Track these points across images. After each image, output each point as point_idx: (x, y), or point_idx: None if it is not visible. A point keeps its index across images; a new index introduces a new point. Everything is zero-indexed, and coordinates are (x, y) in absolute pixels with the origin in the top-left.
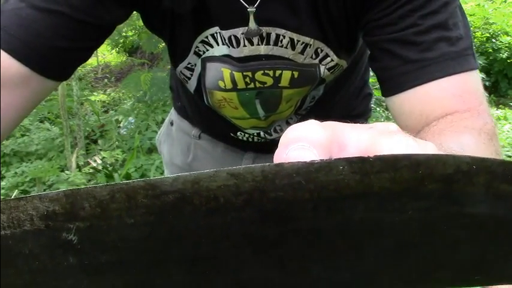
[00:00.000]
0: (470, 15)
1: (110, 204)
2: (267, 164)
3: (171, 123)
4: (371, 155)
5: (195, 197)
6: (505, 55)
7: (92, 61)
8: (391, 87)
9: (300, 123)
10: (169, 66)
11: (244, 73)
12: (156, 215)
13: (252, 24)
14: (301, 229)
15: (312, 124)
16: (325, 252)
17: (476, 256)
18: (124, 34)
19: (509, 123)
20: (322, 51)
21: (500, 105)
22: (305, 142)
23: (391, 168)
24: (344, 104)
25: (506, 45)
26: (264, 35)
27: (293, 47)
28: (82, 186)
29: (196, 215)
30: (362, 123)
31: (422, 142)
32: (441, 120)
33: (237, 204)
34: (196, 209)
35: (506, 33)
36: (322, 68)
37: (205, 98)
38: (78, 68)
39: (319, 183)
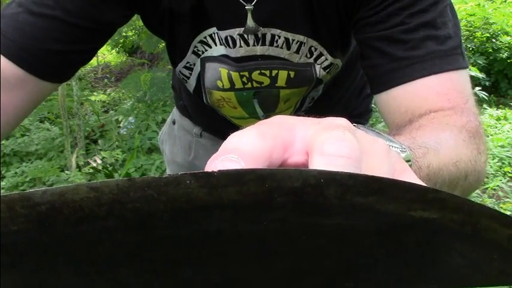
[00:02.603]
0: (470, 15)
1: None
2: (120, 179)
3: (173, 122)
4: (310, 151)
5: (64, 208)
6: (505, 55)
7: (92, 61)
8: (378, 85)
9: (240, 131)
10: (170, 66)
11: (241, 73)
12: (34, 223)
13: (250, 21)
14: (164, 236)
15: (249, 134)
16: (192, 258)
17: (344, 264)
18: (124, 34)
19: (509, 123)
20: (316, 49)
21: (500, 105)
22: (235, 154)
23: (236, 183)
24: (344, 104)
25: (506, 45)
26: (260, 35)
27: (288, 47)
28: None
29: (68, 223)
30: (363, 123)
31: (369, 138)
32: (424, 117)
33: (101, 214)
34: (67, 218)
35: (506, 33)
36: (317, 67)
37: (204, 97)
38: None
39: (171, 195)
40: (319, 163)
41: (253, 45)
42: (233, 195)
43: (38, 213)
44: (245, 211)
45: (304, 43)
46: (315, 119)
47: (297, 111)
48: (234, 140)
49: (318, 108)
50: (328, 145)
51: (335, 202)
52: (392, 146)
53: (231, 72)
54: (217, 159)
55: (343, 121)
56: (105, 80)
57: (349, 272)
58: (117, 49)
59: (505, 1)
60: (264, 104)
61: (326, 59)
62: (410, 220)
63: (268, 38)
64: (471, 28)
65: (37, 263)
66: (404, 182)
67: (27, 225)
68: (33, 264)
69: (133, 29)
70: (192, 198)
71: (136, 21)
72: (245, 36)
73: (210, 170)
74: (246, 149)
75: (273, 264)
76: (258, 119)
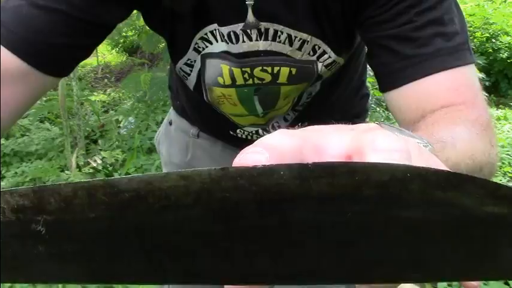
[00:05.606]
0: (470, 15)
1: (73, 200)
2: (213, 168)
3: (170, 123)
4: (354, 155)
5: (149, 196)
6: (505, 55)
7: (92, 61)
8: (388, 83)
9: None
10: (169, 66)
11: (243, 69)
12: (114, 210)
13: (251, 17)
14: (247, 226)
15: (276, 133)
16: (269, 248)
17: (414, 255)
18: (124, 34)
19: (509, 123)
20: (319, 48)
21: (500, 105)
22: (261, 147)
23: (329, 174)
24: (342, 103)
25: (506, 45)
26: (263, 30)
27: (291, 43)
28: (49, 184)
29: (150, 212)
30: (360, 123)
31: (402, 138)
32: (436, 112)
33: (187, 202)
34: (150, 206)
35: (506, 33)
36: (319, 64)
37: (204, 94)
38: (78, 68)
39: (262, 186)
40: (375, 160)
41: (256, 39)
42: (323, 186)
43: (120, 201)
44: (332, 203)
45: (308, 41)
46: (347, 125)
47: (295, 107)
48: (262, 138)
49: (316, 107)
50: (380, 141)
51: (416, 196)
52: (417, 142)
53: (232, 68)
54: (244, 153)
55: (375, 125)
56: (105, 80)
57: (417, 262)
58: (117, 49)
59: (505, 1)
60: (264, 100)
61: (329, 57)
62: (482, 214)
63: (271, 33)
64: (471, 28)
65: (108, 251)
66: (479, 178)
67: (106, 213)
68: (104, 252)
69: (133, 29)
70: (283, 189)
71: (136, 21)
72: (248, 31)
73: (237, 163)
74: (272, 143)
75: (347, 255)
76: (257, 116)
